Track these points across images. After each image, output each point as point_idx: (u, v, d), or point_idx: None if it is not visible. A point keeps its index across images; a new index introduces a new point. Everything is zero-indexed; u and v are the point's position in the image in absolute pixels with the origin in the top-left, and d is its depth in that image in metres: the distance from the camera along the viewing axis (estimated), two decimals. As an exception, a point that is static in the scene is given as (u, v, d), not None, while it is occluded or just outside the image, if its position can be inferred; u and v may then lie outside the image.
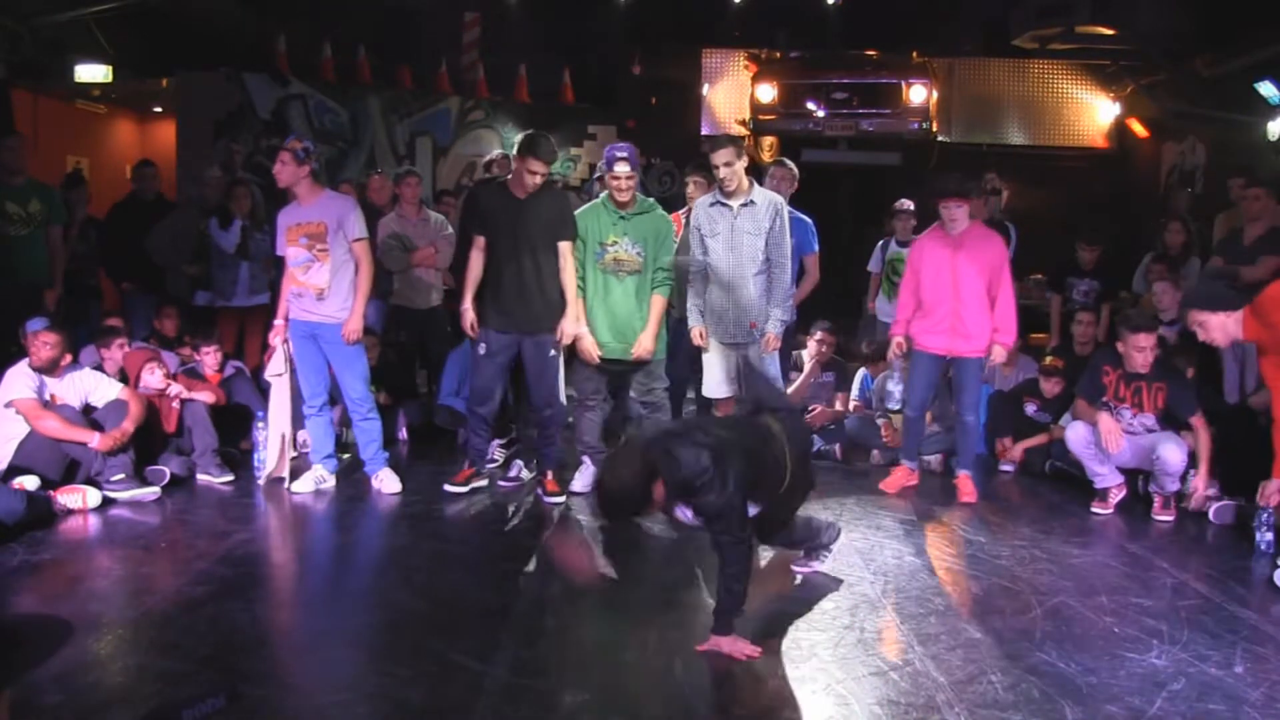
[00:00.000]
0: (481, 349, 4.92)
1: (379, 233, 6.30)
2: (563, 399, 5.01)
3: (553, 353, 4.88)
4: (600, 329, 4.92)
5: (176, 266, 6.77)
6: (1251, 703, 2.84)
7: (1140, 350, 4.93)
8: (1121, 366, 5.03)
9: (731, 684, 2.96)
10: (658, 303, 4.96)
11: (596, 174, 5.75)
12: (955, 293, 5.09)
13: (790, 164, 6.04)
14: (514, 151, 4.82)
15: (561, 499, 4.91)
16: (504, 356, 4.93)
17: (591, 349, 4.88)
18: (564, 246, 4.84)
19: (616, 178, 4.80)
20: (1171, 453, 4.81)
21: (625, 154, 4.80)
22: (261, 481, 5.11)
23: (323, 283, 4.89)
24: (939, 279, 5.14)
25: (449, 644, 3.16)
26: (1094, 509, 4.99)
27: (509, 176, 4.97)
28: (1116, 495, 5.02)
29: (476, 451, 5.10)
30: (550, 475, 5.00)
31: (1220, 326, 4.13)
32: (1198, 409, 4.88)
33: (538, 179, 4.71)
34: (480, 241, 4.90)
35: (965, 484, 5.21)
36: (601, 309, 4.92)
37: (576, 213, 4.99)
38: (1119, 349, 5.04)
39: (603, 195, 5.05)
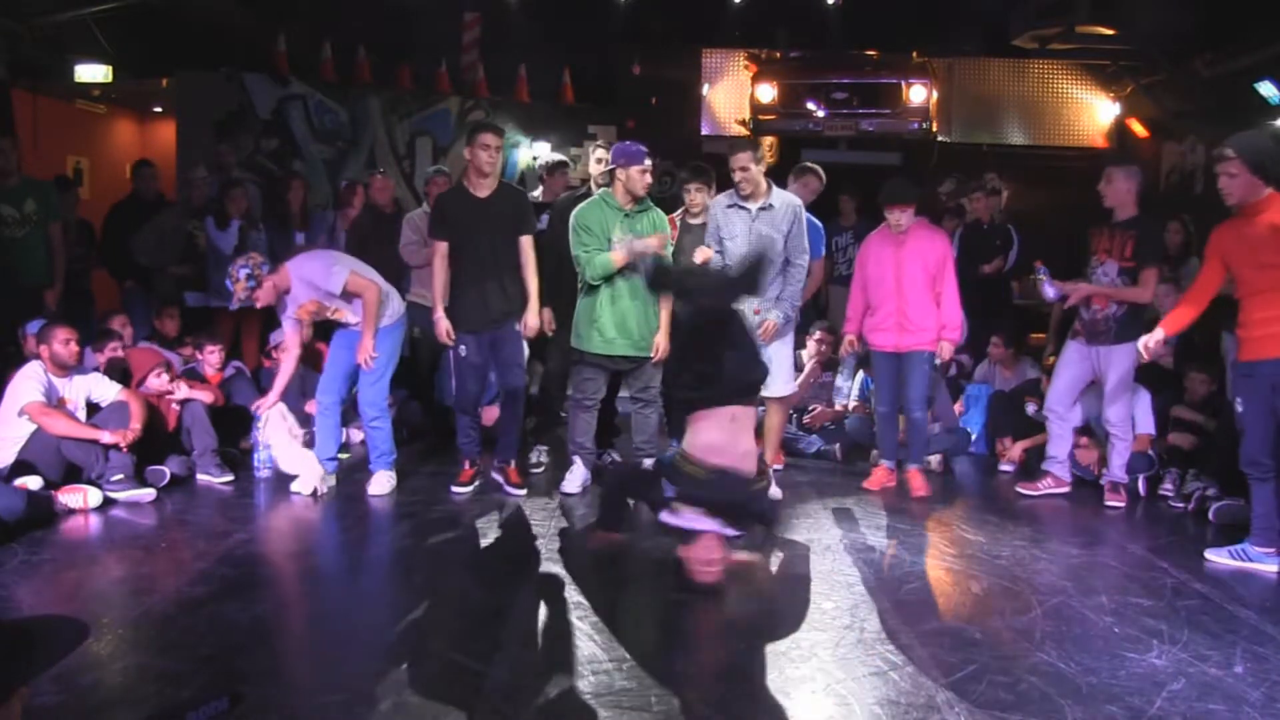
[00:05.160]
0: (461, 350, 4.96)
1: (404, 228, 6.34)
2: (524, 378, 5.14)
3: (521, 340, 5.05)
4: (606, 325, 4.92)
5: (163, 267, 6.72)
6: (1251, 703, 2.85)
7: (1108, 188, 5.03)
8: (1105, 227, 5.05)
9: (732, 683, 2.97)
10: (665, 301, 4.98)
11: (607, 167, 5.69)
12: (899, 289, 5.18)
13: (818, 170, 6.02)
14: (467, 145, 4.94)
15: (523, 491, 4.95)
16: (482, 356, 4.98)
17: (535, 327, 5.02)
18: (524, 241, 4.92)
19: (645, 171, 4.88)
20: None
21: (646, 150, 4.93)
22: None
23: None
24: (883, 276, 5.24)
25: (449, 644, 3.17)
26: (1021, 489, 5.32)
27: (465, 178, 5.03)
28: (1055, 478, 5.27)
29: (470, 451, 5.11)
30: (513, 465, 5.02)
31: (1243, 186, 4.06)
32: (1154, 263, 4.92)
33: (492, 152, 4.79)
34: (443, 248, 4.94)
35: (915, 479, 5.26)
36: (609, 306, 4.91)
37: (578, 209, 5.00)
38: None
39: (601, 191, 5.07)
